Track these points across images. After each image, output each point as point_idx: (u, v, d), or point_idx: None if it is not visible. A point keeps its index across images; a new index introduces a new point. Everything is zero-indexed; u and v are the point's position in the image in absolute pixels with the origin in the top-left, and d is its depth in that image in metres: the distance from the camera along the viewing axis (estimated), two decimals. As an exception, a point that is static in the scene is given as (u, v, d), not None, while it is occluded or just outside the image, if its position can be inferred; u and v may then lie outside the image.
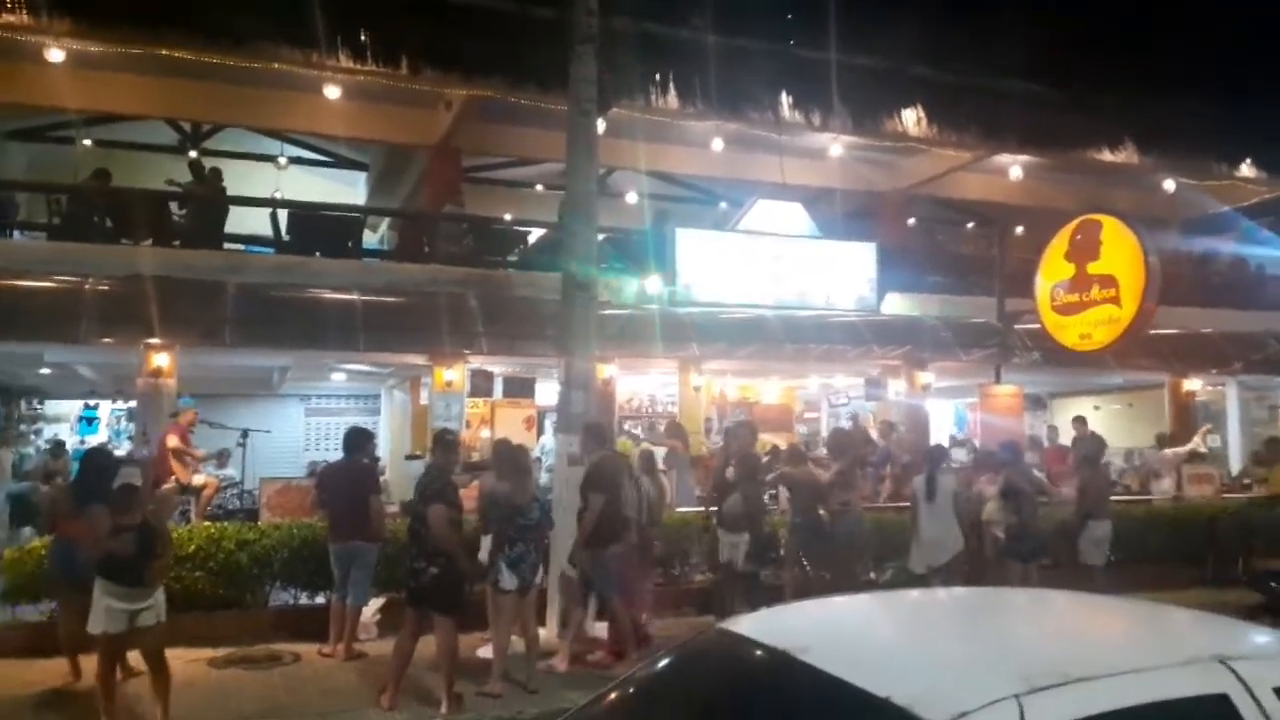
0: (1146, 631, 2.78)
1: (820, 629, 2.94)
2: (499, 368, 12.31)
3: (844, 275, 13.35)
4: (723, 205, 15.94)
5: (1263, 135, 15.52)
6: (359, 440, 8.04)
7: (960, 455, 12.25)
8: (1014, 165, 14.69)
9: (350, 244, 11.95)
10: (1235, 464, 14.71)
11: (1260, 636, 2.76)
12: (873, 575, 9.77)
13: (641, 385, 15.18)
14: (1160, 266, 11.05)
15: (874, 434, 13.65)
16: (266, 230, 12.11)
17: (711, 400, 14.89)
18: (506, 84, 11.27)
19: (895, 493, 11.11)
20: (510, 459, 7.52)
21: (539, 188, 14.52)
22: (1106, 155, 14.39)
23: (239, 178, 13.53)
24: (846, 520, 9.14)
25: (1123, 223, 11.17)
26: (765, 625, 3.13)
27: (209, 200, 11.75)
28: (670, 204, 15.33)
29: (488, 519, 7.49)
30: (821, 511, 9.38)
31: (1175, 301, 13.88)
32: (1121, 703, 2.17)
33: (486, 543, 7.25)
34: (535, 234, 13.17)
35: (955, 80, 13.77)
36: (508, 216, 14.07)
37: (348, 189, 16.39)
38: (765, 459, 11.20)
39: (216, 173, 12.30)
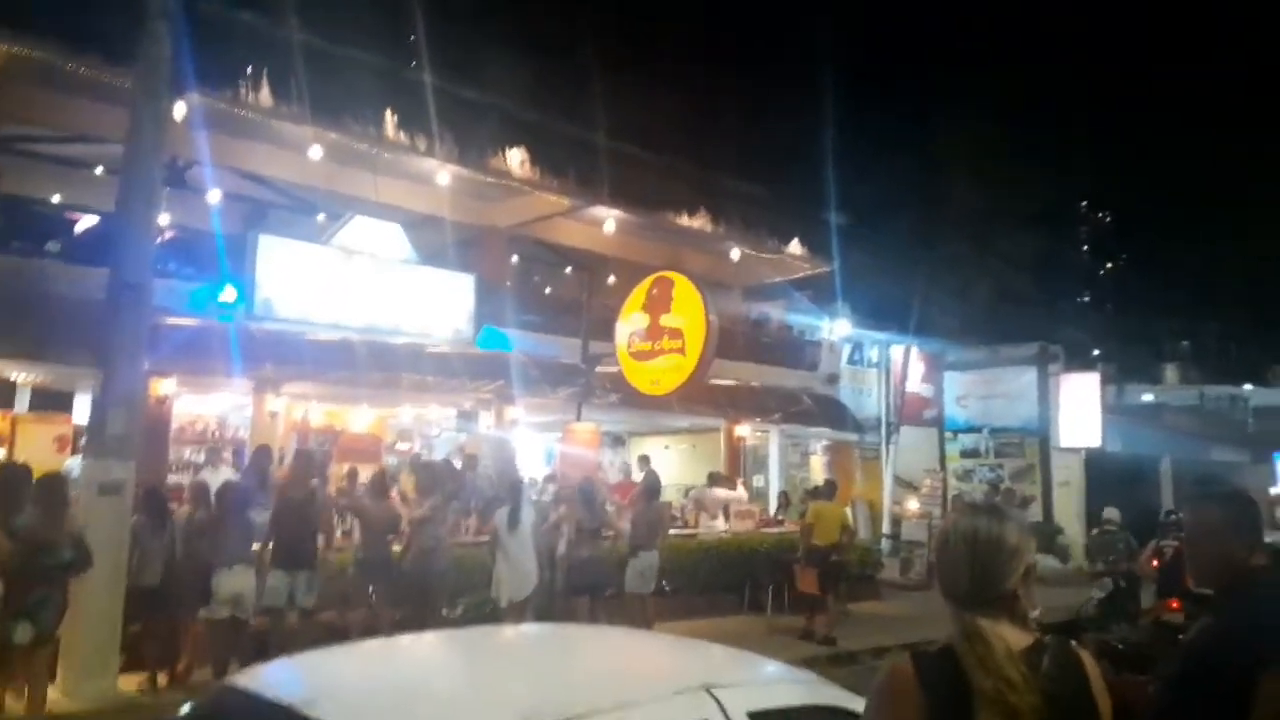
0: (649, 663, 2.91)
1: (333, 679, 2.74)
2: (23, 375, 10.44)
3: (442, 305, 13.25)
4: (321, 217, 15.09)
5: (808, 221, 18.15)
6: None
7: (549, 490, 12.62)
8: (608, 218, 15.65)
9: None
10: (774, 502, 16.83)
11: (746, 664, 3.01)
12: (445, 612, 9.62)
13: (209, 406, 13.75)
14: (719, 324, 12.35)
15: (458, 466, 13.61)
16: None
17: (291, 426, 13.91)
18: (62, 48, 9.66)
19: (479, 527, 11.11)
20: (40, 485, 6.34)
21: (99, 169, 12.58)
22: (684, 219, 15.87)
23: None
24: (432, 558, 8.92)
25: (691, 282, 12.33)
26: (275, 678, 2.88)
27: None
28: (261, 209, 14.14)
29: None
30: (396, 548, 9.10)
31: (732, 357, 15.67)
32: (612, 737, 2.21)
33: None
34: (86, 222, 11.42)
35: (559, 129, 14.35)
36: (55, 198, 12.08)
37: None
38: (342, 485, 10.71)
39: None
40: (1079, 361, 22.19)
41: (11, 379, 10.82)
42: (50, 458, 10.49)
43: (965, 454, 21.09)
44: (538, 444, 17.96)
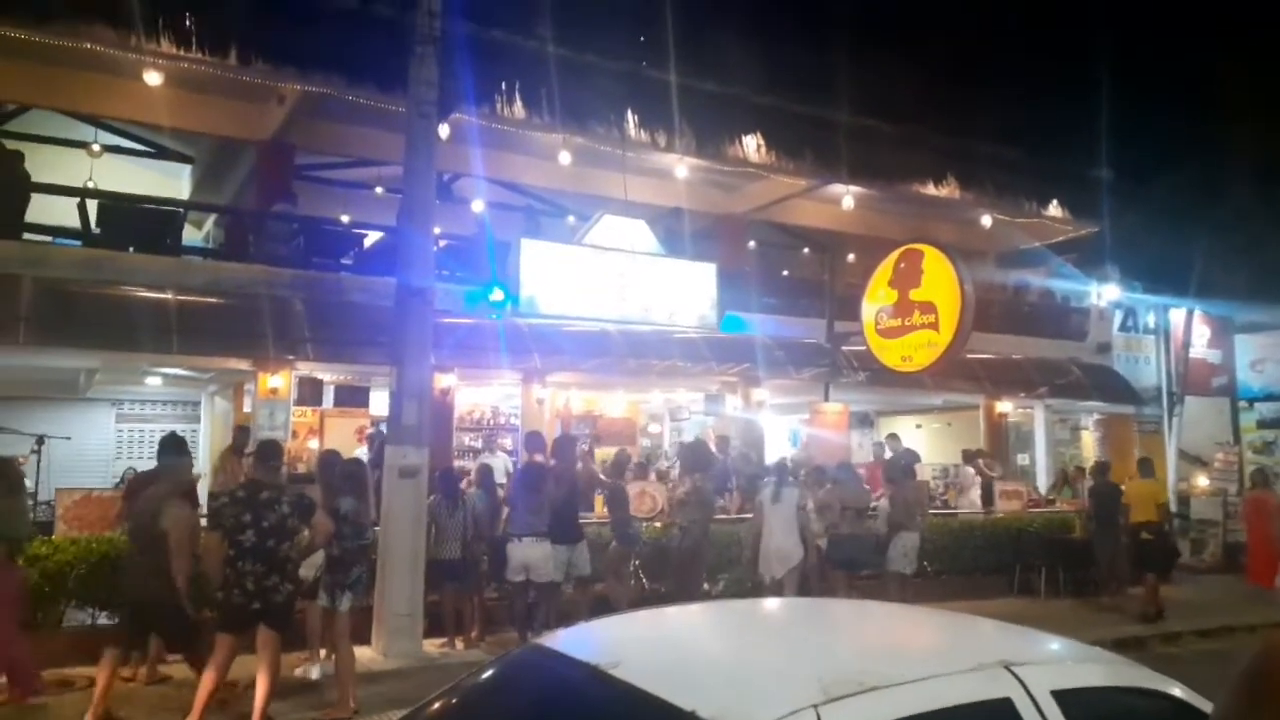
0: (940, 639, 2.89)
1: (632, 643, 2.93)
2: (329, 375, 11.81)
3: (686, 293, 13.58)
4: (570, 219, 15.91)
5: (1068, 181, 16.85)
6: (173, 447, 7.53)
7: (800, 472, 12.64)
8: (846, 195, 15.32)
9: (168, 240, 11.18)
10: (1042, 481, 15.84)
11: (1042, 642, 2.92)
12: (706, 587, 9.91)
13: (483, 397, 14.91)
14: (975, 295, 11.76)
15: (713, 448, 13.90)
16: (75, 221, 11.17)
17: (555, 413, 14.80)
18: (344, 82, 10.83)
19: (741, 506, 11.33)
20: (358, 477, 7.23)
21: (378, 190, 14.00)
22: (930, 189, 15.22)
23: (46, 164, 12.37)
24: (692, 535, 9.26)
25: (942, 253, 11.81)
26: (577, 640, 3.12)
27: (8, 185, 10.72)
28: (515, 214, 15.16)
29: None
30: (642, 524, 9.52)
31: (989, 329, 14.87)
32: (912, 709, 2.22)
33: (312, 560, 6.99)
34: (372, 237, 12.75)
35: (794, 110, 14.23)
36: (345, 218, 13.56)
37: (170, 182, 15.35)
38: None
39: (18, 156, 11.24)
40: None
41: (319, 378, 12.25)
42: (352, 448, 11.86)
43: (1263, 424, 18.77)
44: (783, 425, 17.97)
